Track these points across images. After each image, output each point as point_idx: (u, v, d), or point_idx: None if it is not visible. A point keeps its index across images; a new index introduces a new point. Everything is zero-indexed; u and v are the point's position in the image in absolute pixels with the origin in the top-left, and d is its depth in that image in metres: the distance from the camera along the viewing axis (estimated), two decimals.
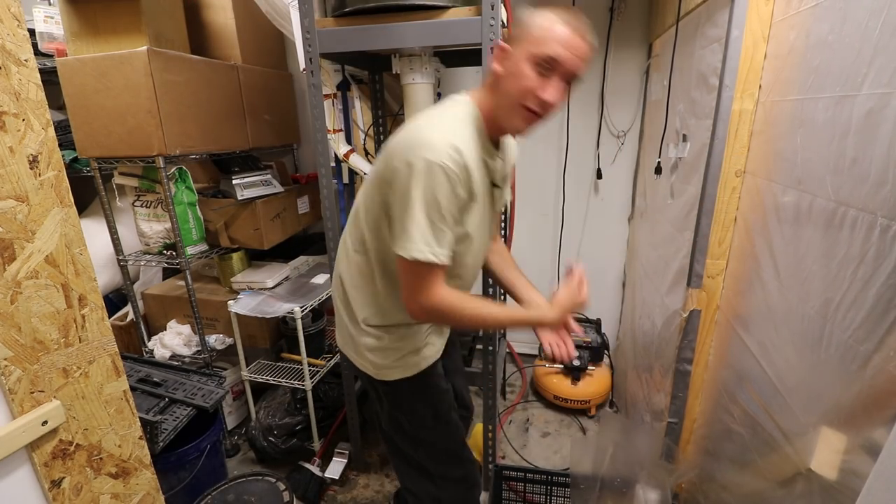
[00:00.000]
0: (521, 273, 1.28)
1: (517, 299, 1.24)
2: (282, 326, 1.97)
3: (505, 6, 1.55)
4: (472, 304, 0.98)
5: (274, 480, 1.46)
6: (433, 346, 1.15)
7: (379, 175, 0.96)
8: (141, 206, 1.84)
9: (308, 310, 1.81)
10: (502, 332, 2.31)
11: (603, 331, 2.37)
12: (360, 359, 1.13)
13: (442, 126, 0.92)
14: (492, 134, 0.98)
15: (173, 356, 1.91)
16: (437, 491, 1.20)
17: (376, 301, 1.07)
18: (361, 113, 2.20)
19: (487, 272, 1.31)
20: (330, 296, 1.61)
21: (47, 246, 0.74)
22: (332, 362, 1.97)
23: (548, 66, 0.86)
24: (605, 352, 2.32)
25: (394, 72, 1.64)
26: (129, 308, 2.05)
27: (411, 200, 0.86)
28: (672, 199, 1.62)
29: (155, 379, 1.61)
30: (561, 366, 2.22)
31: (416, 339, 1.11)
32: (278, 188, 2.05)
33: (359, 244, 1.06)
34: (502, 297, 1.85)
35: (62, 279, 0.76)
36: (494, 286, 1.55)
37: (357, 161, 1.82)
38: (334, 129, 1.81)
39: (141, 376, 1.62)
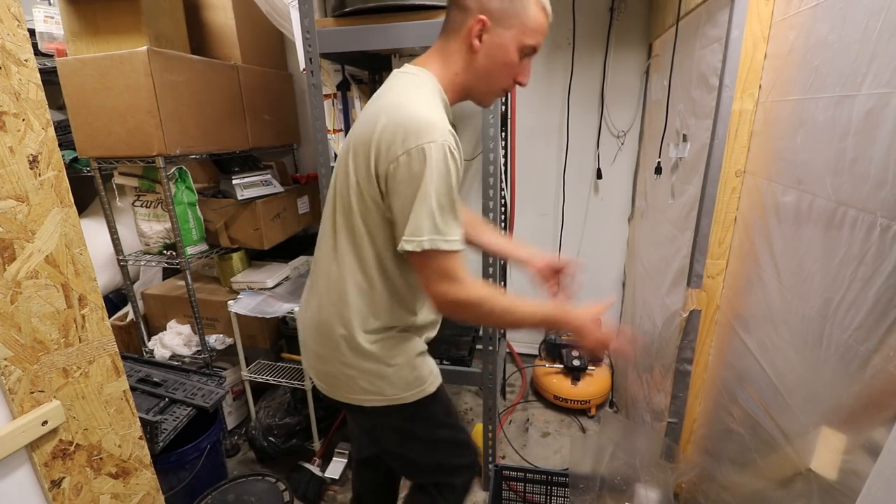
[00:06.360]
0: (496, 231, 1.26)
1: (515, 257, 1.23)
2: (282, 326, 1.97)
3: None
4: (504, 298, 0.90)
5: (274, 480, 1.46)
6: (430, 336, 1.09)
7: (368, 167, 0.87)
8: (141, 206, 1.84)
9: None
10: (502, 332, 2.31)
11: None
12: (370, 386, 0.98)
13: (429, 106, 0.86)
14: (450, 104, 0.95)
15: (173, 356, 1.91)
16: (449, 479, 1.18)
17: (375, 304, 0.96)
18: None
19: (473, 244, 1.22)
20: None
21: (47, 246, 0.74)
22: None
23: (530, 53, 0.91)
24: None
25: None
26: (129, 308, 2.05)
27: (422, 190, 0.81)
28: (672, 199, 1.62)
29: (155, 379, 1.61)
30: (560, 365, 2.22)
31: (417, 341, 1.03)
32: (278, 188, 2.05)
33: (350, 241, 0.94)
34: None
35: (62, 279, 0.76)
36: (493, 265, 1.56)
37: None
38: (334, 129, 1.81)
39: (141, 376, 1.62)
